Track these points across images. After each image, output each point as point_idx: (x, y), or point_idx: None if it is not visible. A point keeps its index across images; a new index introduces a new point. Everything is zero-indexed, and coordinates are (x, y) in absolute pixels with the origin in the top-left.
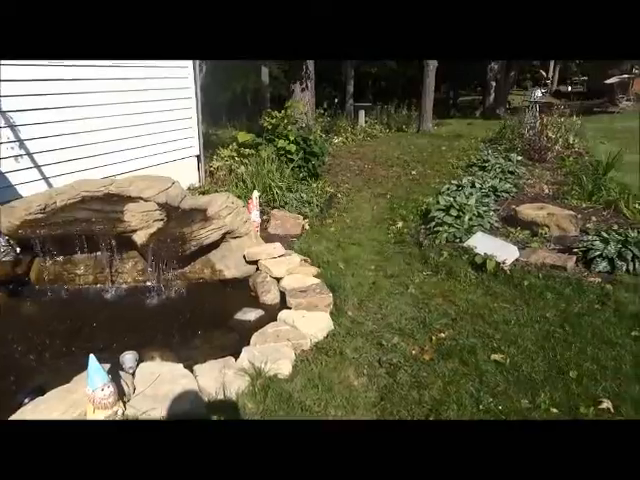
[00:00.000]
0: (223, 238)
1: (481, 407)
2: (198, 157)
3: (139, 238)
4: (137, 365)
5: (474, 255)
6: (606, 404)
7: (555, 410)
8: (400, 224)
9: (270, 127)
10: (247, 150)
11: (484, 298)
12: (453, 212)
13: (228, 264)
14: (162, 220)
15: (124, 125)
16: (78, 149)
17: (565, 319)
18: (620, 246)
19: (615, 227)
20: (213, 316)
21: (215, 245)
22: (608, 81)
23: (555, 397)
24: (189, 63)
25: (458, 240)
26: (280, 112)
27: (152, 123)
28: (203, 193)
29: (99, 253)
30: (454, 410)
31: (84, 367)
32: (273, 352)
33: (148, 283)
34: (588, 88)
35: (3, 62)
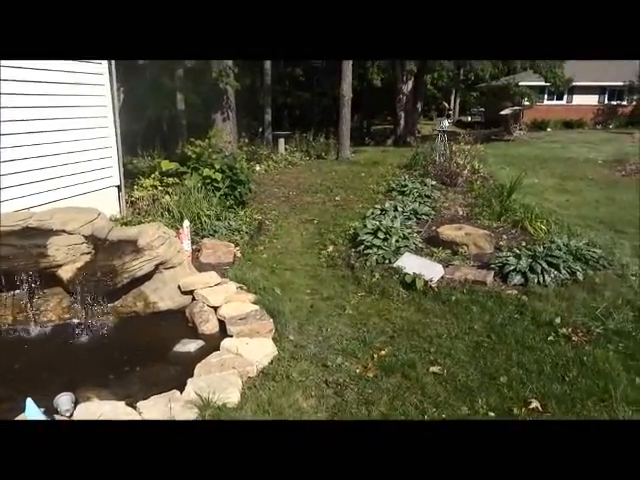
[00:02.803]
0: (156, 269)
1: (426, 417)
2: (118, 187)
3: (65, 273)
4: (74, 407)
5: (404, 275)
6: (535, 404)
7: (492, 414)
8: (330, 248)
9: (194, 156)
10: (170, 179)
11: (417, 315)
12: (380, 235)
13: (162, 295)
14: (89, 253)
15: (38, 155)
16: None
17: (491, 329)
18: (531, 260)
19: (524, 244)
20: (150, 350)
21: (148, 277)
22: (502, 112)
23: (490, 402)
24: (107, 91)
25: (387, 261)
26: (203, 141)
27: (69, 153)
28: (125, 224)
29: (17, 291)
30: None
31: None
32: (219, 381)
33: (75, 320)
34: (485, 118)
35: None
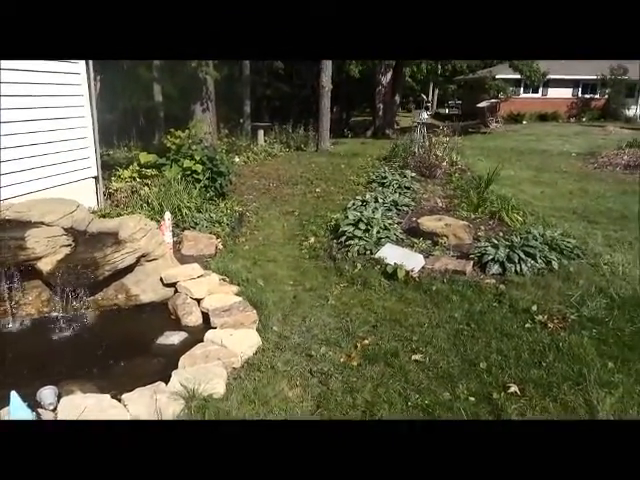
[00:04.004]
0: (138, 261)
1: (410, 404)
2: (96, 178)
3: (45, 265)
4: (58, 401)
5: (385, 265)
6: (514, 388)
7: (472, 399)
8: (312, 239)
9: (174, 147)
10: (149, 171)
11: (399, 304)
12: (362, 226)
13: (144, 288)
14: (69, 245)
15: (14, 145)
16: None
17: (470, 317)
18: (508, 250)
19: (501, 234)
20: (133, 343)
21: (129, 269)
22: (479, 105)
23: (471, 387)
24: (83, 80)
25: (369, 252)
26: (183, 132)
27: (46, 143)
28: (104, 216)
29: None
30: (386, 410)
31: None
32: (205, 373)
33: (55, 314)
34: (463, 111)
35: None
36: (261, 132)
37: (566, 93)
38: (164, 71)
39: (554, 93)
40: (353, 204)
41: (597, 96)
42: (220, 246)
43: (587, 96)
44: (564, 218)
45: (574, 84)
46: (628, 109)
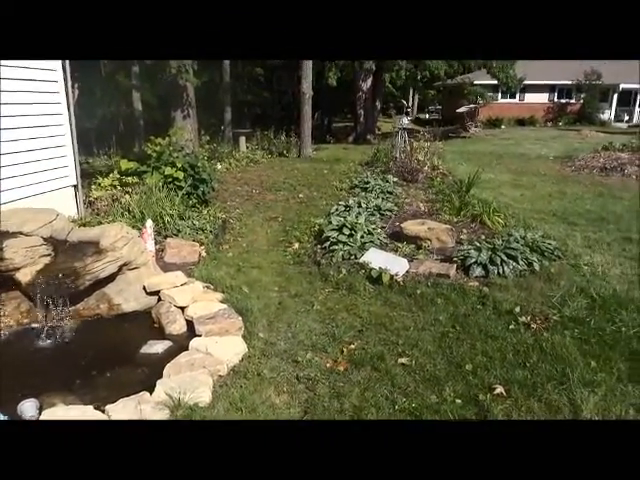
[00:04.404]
0: (120, 270)
1: (397, 407)
2: (75, 187)
3: (23, 276)
4: (39, 413)
5: (370, 270)
6: (499, 389)
7: (459, 401)
8: (296, 245)
9: (155, 154)
10: (130, 179)
11: (384, 308)
12: (346, 231)
13: (127, 297)
14: (49, 255)
15: None
16: None
17: (455, 320)
18: (490, 253)
19: (483, 237)
20: (116, 353)
21: (111, 278)
22: (459, 110)
23: (457, 389)
24: (61, 87)
25: (353, 257)
26: (163, 139)
27: (23, 152)
28: (84, 225)
29: None
30: (373, 414)
31: None
32: (190, 381)
33: (35, 325)
34: (443, 116)
35: None
36: (243, 139)
37: (542, 98)
38: (143, 78)
39: (531, 98)
40: (336, 209)
41: (572, 101)
42: (203, 253)
43: (563, 101)
44: (544, 220)
45: (550, 89)
46: (602, 113)
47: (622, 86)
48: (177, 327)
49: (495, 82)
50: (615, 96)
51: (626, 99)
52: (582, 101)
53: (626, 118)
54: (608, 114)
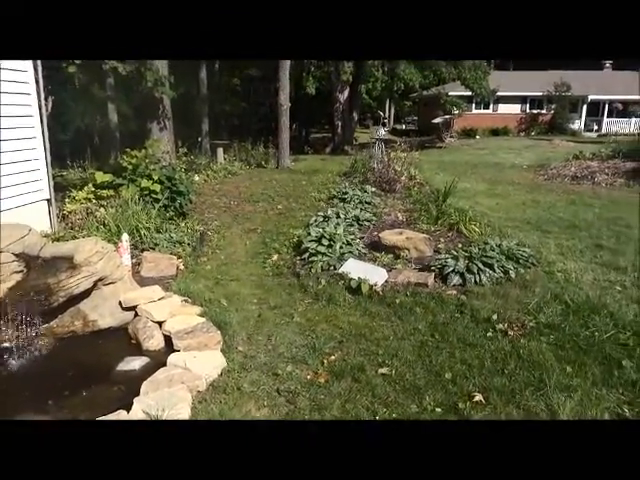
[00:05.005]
0: (95, 286)
1: (378, 418)
2: (48, 200)
3: None
4: None
5: (349, 280)
6: (478, 397)
7: (439, 409)
8: (275, 257)
9: (131, 167)
10: (105, 192)
11: (364, 319)
12: (324, 242)
13: (102, 313)
14: (21, 272)
15: None
16: None
17: (434, 329)
18: (467, 261)
19: (460, 246)
20: (91, 371)
21: (86, 294)
22: (434, 121)
23: (437, 398)
24: (34, 100)
25: (332, 267)
26: (139, 151)
27: None
28: (58, 239)
29: None
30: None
31: None
32: (168, 398)
33: (6, 344)
34: (419, 127)
35: None
36: (220, 150)
37: (515, 109)
38: (119, 90)
39: (504, 109)
40: (315, 220)
41: (544, 111)
42: (181, 266)
43: (535, 111)
44: (519, 228)
45: (522, 100)
46: (573, 123)
47: (590, 97)
48: (154, 343)
49: (469, 93)
50: (584, 107)
51: (595, 110)
52: (553, 112)
53: (595, 128)
54: (578, 124)
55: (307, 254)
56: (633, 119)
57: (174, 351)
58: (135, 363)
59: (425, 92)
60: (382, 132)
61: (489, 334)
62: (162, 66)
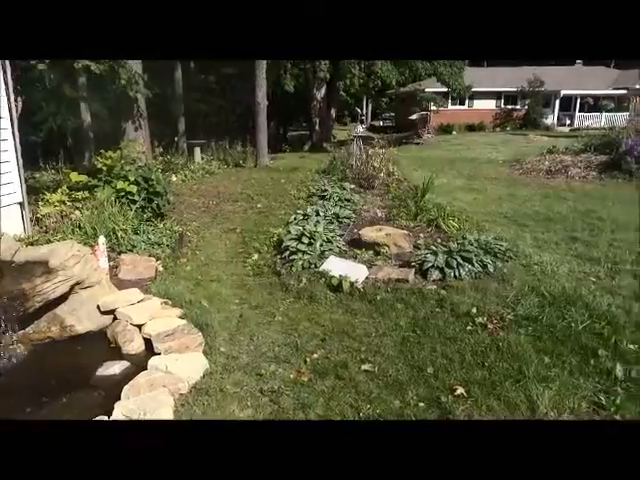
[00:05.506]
0: (72, 290)
1: (361, 415)
2: (21, 204)
3: None
4: None
5: (330, 278)
6: (460, 390)
7: (422, 404)
8: (255, 256)
9: (106, 168)
10: (80, 194)
11: (345, 316)
12: (305, 240)
13: (80, 317)
14: None
15: None
16: None
17: (415, 324)
18: (446, 256)
19: (439, 241)
20: (70, 377)
21: (62, 298)
22: (411, 117)
23: (420, 393)
24: (2, 101)
25: (313, 265)
26: (114, 152)
27: None
28: (32, 244)
29: None
30: None
31: None
32: (150, 402)
33: None
34: (396, 123)
35: None
36: (197, 149)
37: (490, 104)
38: (92, 89)
39: (479, 105)
40: (295, 218)
41: (518, 107)
42: (160, 268)
43: (509, 107)
44: (496, 222)
45: (497, 96)
46: (546, 118)
47: (563, 92)
48: (135, 346)
49: (445, 89)
50: (557, 102)
51: (567, 104)
52: (527, 107)
53: (568, 122)
54: (551, 119)
55: (287, 253)
56: (604, 113)
57: (155, 354)
58: (115, 367)
59: (402, 89)
60: (360, 129)
61: (469, 328)
62: (136, 64)
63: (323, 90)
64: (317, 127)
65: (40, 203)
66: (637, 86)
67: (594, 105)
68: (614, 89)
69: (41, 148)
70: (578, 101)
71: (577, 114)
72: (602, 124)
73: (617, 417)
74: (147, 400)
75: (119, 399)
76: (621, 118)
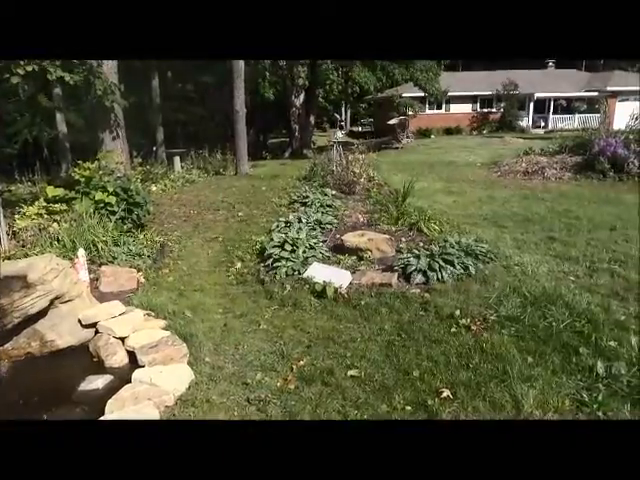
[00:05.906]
0: (51, 304)
1: (349, 419)
2: None
3: None
4: None
5: (314, 284)
6: (446, 392)
7: (409, 407)
8: (239, 265)
9: (83, 179)
10: (57, 206)
11: (330, 322)
12: (288, 247)
13: (61, 332)
14: None
15: None
16: None
17: (400, 328)
18: (429, 259)
19: (421, 244)
20: (51, 393)
21: (42, 313)
22: (390, 122)
23: (406, 396)
24: None
25: (297, 272)
26: (92, 162)
27: None
28: (9, 258)
29: None
30: None
31: None
32: (135, 415)
33: None
34: (375, 128)
35: None
36: (177, 158)
37: (466, 108)
38: (67, 100)
39: (456, 109)
40: (277, 226)
41: (494, 110)
42: (142, 279)
43: (485, 110)
44: (476, 224)
45: (472, 100)
46: (521, 121)
47: (537, 95)
48: (118, 359)
49: (422, 94)
50: (531, 104)
51: (541, 107)
52: (502, 110)
53: (542, 124)
54: (526, 121)
55: (271, 260)
56: (576, 115)
57: (139, 367)
58: (98, 382)
59: (380, 94)
60: (339, 135)
61: (453, 330)
62: (111, 74)
63: (302, 97)
64: (297, 134)
65: (16, 216)
66: (607, 88)
67: (567, 107)
68: (586, 91)
69: (16, 160)
70: (552, 103)
71: (551, 116)
72: (575, 125)
73: (600, 414)
74: (132, 414)
75: (103, 414)
76: (593, 119)
